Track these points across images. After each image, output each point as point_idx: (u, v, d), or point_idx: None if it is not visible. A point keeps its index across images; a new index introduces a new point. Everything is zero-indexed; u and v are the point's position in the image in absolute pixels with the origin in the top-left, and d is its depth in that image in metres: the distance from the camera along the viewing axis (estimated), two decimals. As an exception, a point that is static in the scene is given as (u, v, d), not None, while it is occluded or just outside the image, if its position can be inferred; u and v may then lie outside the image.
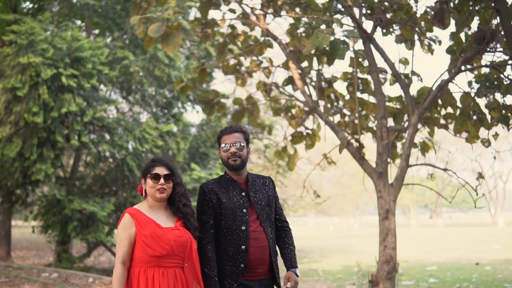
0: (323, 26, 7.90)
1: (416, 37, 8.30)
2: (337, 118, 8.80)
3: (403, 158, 7.04)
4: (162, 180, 3.14)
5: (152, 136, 11.69)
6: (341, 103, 8.73)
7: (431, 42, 8.38)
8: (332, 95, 8.63)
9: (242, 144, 3.32)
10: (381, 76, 8.22)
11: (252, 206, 3.31)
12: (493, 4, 6.29)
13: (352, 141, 7.37)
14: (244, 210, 3.26)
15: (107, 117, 12.00)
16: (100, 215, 11.22)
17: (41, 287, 8.52)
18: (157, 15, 7.05)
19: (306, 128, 8.62)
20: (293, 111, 8.64)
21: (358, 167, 8.66)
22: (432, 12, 7.78)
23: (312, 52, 6.95)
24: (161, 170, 3.16)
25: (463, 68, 7.71)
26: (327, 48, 7.04)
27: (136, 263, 3.05)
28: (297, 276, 3.34)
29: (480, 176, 8.08)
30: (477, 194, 7.79)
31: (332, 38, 6.34)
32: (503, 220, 43.44)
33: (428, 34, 8.36)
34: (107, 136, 11.77)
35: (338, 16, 6.84)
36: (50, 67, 10.69)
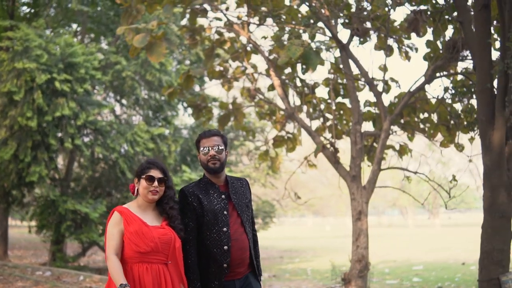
0: (305, 35, 8.27)
1: (395, 44, 8.69)
2: (319, 122, 9.17)
3: (375, 162, 7.40)
4: (156, 183, 3.25)
5: (143, 139, 12.06)
6: (322, 107, 9.09)
7: (408, 49, 8.75)
8: (314, 101, 8.98)
9: (221, 148, 3.40)
10: (361, 83, 8.60)
11: (232, 208, 3.40)
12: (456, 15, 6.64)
13: (328, 145, 7.72)
14: (225, 212, 3.35)
15: (100, 120, 12.36)
16: (92, 215, 11.59)
17: (33, 285, 8.88)
18: (141, 25, 7.40)
19: (287, 133, 8.98)
20: (277, 115, 9.00)
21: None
22: (407, 22, 8.17)
23: (289, 61, 7.26)
24: (156, 173, 3.27)
25: (438, 74, 8.11)
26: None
27: (124, 259, 3.16)
28: (260, 284, 3.51)
29: (454, 179, 8.44)
30: (450, 197, 8.15)
31: (304, 49, 6.66)
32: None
33: (407, 42, 8.74)
34: (100, 139, 12.13)
35: (315, 26, 7.15)
36: (44, 72, 11.07)
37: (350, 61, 7.91)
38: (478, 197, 49.73)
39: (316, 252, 21.23)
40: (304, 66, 7.24)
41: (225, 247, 3.28)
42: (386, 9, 8.09)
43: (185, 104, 13.64)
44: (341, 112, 8.73)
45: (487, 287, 5.84)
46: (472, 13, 6.35)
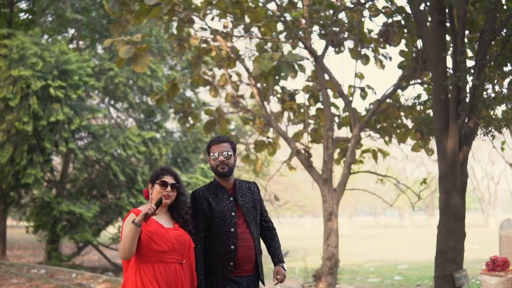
0: (287, 46, 8.72)
1: (372, 54, 9.18)
2: (299, 127, 9.65)
3: (345, 166, 7.87)
4: (169, 188, 3.39)
5: (135, 143, 12.55)
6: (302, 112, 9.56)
7: (382, 58, 9.25)
8: (295, 107, 9.46)
9: (229, 153, 3.57)
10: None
11: (239, 209, 3.57)
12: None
13: (302, 150, 8.20)
14: (233, 214, 3.51)
15: (94, 124, 12.86)
16: (86, 216, 12.08)
17: (27, 281, 9.38)
18: (127, 38, 7.89)
19: (268, 137, 9.46)
20: (257, 121, 9.48)
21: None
22: (379, 33, 8.66)
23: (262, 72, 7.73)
24: (169, 179, 3.42)
25: (412, 82, 8.58)
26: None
27: (141, 259, 3.26)
28: (285, 270, 3.67)
29: (424, 181, 8.92)
30: (419, 199, 8.63)
31: (275, 62, 7.14)
32: (495, 221, 44.11)
33: (383, 51, 9.23)
34: (94, 142, 12.64)
35: (287, 40, 7.63)
36: (39, 79, 11.58)
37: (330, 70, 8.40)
38: (477, 199, 50.29)
39: (307, 252, 21.66)
40: (275, 78, 7.70)
41: (232, 247, 3.46)
42: (363, 19, 8.61)
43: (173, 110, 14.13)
44: (318, 118, 9.21)
45: (442, 283, 6.32)
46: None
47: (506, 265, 3.01)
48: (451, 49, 6.67)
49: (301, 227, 56.30)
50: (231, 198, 3.57)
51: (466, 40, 6.88)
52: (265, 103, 8.98)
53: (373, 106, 8.02)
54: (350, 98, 8.20)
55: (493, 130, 6.41)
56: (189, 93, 15.12)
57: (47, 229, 12.95)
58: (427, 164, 44.02)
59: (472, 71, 6.27)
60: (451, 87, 6.23)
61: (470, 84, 6.39)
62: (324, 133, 8.09)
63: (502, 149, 8.51)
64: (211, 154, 3.59)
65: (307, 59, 8.16)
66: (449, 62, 6.66)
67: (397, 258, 18.14)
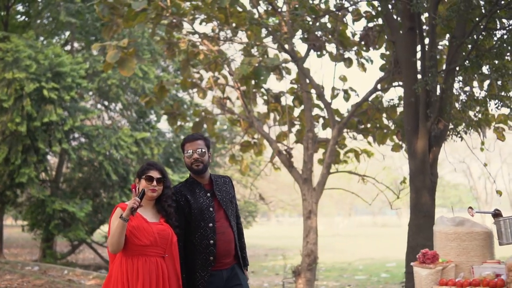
0: (273, 50, 8.97)
1: (354, 56, 9.47)
2: (284, 128, 9.93)
3: (324, 166, 8.15)
4: (155, 182, 3.49)
5: (127, 143, 12.85)
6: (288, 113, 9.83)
7: (364, 61, 9.53)
8: (279, 108, 9.74)
9: (203, 150, 3.63)
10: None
11: (218, 204, 3.64)
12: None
13: (284, 151, 8.48)
14: (211, 209, 3.58)
15: (87, 125, 13.16)
16: (79, 214, 12.39)
17: (20, 277, 9.68)
18: (114, 43, 8.17)
19: (253, 138, 9.74)
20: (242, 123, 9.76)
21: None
22: (359, 37, 8.95)
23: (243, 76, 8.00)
24: (155, 174, 3.51)
25: (395, 84, 8.85)
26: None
27: (124, 252, 3.39)
28: (246, 270, 3.77)
29: (404, 181, 9.20)
30: (398, 197, 8.92)
31: (256, 66, 7.42)
32: (491, 220, 44.34)
33: (365, 54, 9.51)
34: (87, 143, 12.94)
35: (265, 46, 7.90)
36: (33, 81, 11.87)
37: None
38: (474, 198, 50.57)
39: (300, 251, 21.94)
40: (255, 81, 7.98)
41: (211, 241, 3.52)
42: (344, 22, 8.88)
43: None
44: (302, 119, 9.48)
45: (412, 278, 6.59)
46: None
47: (436, 258, 3.29)
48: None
49: (299, 226, 56.56)
50: (208, 194, 3.64)
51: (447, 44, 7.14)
52: (251, 104, 9.26)
53: (352, 108, 8.29)
54: (330, 100, 8.45)
55: (462, 131, 6.67)
56: (181, 94, 15.40)
57: (42, 227, 13.26)
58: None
59: (444, 75, 6.55)
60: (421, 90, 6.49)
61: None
62: (305, 134, 8.36)
63: (482, 149, 8.80)
64: (186, 152, 3.67)
65: (286, 63, 8.43)
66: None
67: (387, 256, 18.41)
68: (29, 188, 12.48)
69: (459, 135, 6.67)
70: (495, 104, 6.49)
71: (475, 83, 7.37)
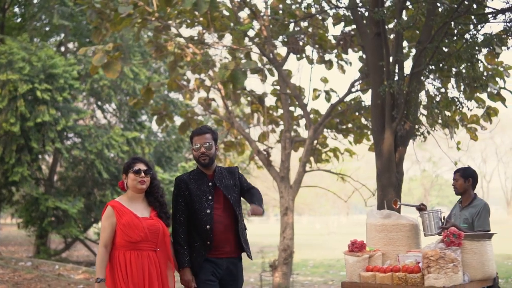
0: (255, 55, 9.30)
1: (335, 59, 9.84)
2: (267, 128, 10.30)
3: (300, 164, 8.52)
4: (142, 174, 3.59)
5: (118, 142, 13.23)
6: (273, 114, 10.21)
7: (343, 64, 9.91)
8: (260, 109, 10.11)
9: (210, 144, 3.77)
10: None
11: (219, 194, 3.76)
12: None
13: (263, 150, 8.85)
14: (210, 197, 3.72)
15: (79, 125, 13.56)
16: (71, 211, 12.78)
17: (12, 272, 10.06)
18: (100, 47, 8.55)
19: (236, 138, 10.12)
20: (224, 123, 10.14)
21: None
22: (336, 41, 9.32)
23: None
24: (141, 166, 3.62)
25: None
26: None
27: (116, 247, 3.49)
28: (262, 208, 3.77)
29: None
30: (373, 195, 9.28)
31: (234, 70, 7.79)
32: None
33: (345, 57, 9.88)
34: (79, 142, 13.33)
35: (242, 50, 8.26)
36: (26, 82, 12.26)
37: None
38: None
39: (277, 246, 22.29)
40: (233, 84, 8.35)
41: (208, 227, 3.67)
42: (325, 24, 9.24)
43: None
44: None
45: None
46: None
47: (363, 247, 3.65)
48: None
49: (297, 224, 56.91)
50: (210, 183, 3.77)
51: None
52: (236, 105, 9.64)
53: (327, 109, 8.66)
54: (311, 101, 8.82)
55: (425, 132, 7.03)
56: (174, 95, 15.76)
57: (36, 224, 13.66)
58: (421, 163, 44.77)
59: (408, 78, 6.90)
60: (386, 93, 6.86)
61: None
62: (282, 134, 8.73)
63: (458, 148, 9.16)
64: (194, 144, 3.80)
65: (263, 66, 8.79)
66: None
67: (376, 253, 18.73)
68: (21, 186, 12.86)
69: (422, 136, 7.01)
70: (456, 106, 6.83)
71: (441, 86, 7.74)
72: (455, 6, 6.41)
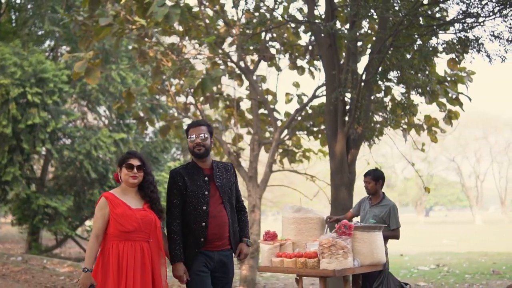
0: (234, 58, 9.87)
1: (307, 65, 10.43)
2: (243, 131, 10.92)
3: (267, 165, 9.13)
4: (135, 169, 3.61)
5: (106, 143, 13.87)
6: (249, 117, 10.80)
7: (313, 70, 10.50)
8: (235, 113, 10.70)
9: (206, 135, 3.75)
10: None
11: (214, 189, 3.75)
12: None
13: (234, 152, 9.46)
14: (206, 193, 3.70)
15: (69, 127, 14.21)
16: (61, 209, 13.44)
17: (1, 265, 10.71)
18: (82, 55, 9.17)
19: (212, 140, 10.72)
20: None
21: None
22: (304, 48, 9.91)
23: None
24: (134, 161, 3.63)
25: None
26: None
27: (109, 237, 3.54)
28: (248, 246, 3.88)
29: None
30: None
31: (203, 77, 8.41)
32: (481, 218, 45.27)
33: (317, 63, 10.47)
34: (69, 143, 13.98)
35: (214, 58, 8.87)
36: (18, 86, 12.91)
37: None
38: (466, 196, 51.42)
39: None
40: (202, 90, 8.94)
41: (203, 224, 3.66)
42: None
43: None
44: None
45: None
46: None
47: (275, 237, 4.26)
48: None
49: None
50: (206, 178, 3.75)
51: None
52: (212, 109, 10.24)
53: (292, 113, 9.26)
54: (280, 105, 9.42)
55: (375, 136, 7.63)
56: (162, 99, 16.37)
57: (28, 222, 14.32)
58: (416, 162, 45.38)
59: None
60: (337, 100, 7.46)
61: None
62: (251, 137, 9.34)
63: (423, 150, 9.77)
64: (189, 136, 3.79)
65: (229, 74, 9.39)
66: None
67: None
68: (13, 186, 13.51)
69: (372, 139, 7.61)
70: (402, 112, 7.43)
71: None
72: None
